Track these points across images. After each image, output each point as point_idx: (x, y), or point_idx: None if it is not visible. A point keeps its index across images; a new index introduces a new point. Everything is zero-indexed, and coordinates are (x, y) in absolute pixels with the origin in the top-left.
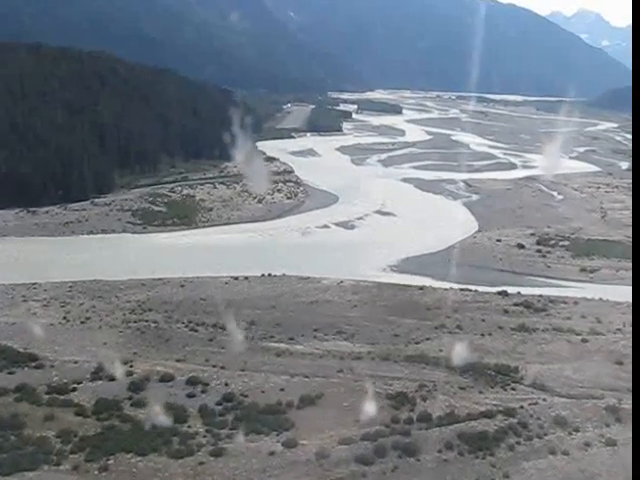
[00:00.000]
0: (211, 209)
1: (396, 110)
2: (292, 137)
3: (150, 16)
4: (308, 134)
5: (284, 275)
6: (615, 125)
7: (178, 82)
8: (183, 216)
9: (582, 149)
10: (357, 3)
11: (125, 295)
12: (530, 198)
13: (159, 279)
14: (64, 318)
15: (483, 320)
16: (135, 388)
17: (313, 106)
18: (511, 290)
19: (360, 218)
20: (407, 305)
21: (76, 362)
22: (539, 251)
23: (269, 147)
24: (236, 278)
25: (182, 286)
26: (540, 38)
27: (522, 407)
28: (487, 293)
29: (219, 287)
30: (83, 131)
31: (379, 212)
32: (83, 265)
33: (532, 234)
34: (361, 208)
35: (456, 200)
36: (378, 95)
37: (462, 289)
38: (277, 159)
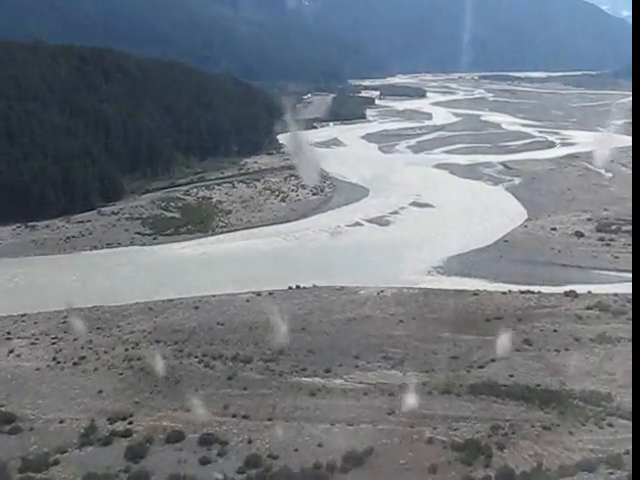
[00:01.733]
0: (230, 212)
1: (420, 93)
2: (314, 127)
3: (162, 13)
4: (331, 123)
5: (314, 287)
6: None
7: (190, 76)
8: (198, 222)
9: (620, 122)
10: None
11: (129, 324)
12: (577, 178)
13: (169, 301)
14: (54, 359)
15: (555, 331)
16: (134, 455)
17: (334, 95)
18: (579, 289)
19: (395, 212)
20: (462, 316)
21: (62, 421)
22: (601, 239)
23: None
24: (259, 294)
25: (196, 308)
26: (561, 12)
27: (629, 453)
28: (552, 295)
29: (239, 307)
30: (86, 133)
31: (415, 204)
32: (81, 288)
33: (589, 219)
34: (395, 200)
35: (497, 185)
36: (399, 80)
37: (522, 291)
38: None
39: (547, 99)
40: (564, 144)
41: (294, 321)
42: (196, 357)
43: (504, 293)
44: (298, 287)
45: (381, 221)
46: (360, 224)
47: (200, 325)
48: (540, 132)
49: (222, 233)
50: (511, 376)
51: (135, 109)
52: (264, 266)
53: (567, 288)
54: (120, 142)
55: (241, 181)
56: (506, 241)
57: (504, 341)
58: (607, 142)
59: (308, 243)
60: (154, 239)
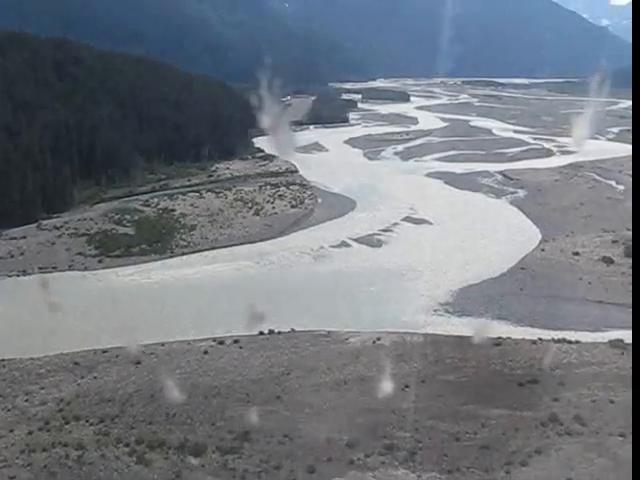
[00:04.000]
0: (194, 227)
1: (403, 97)
2: (293, 131)
3: (139, 10)
4: (311, 126)
5: (293, 331)
6: None
7: (158, 73)
8: (155, 240)
9: (616, 129)
10: None
11: (42, 389)
12: (587, 191)
13: (103, 352)
14: None
15: (611, 402)
16: None
17: (314, 97)
18: (626, 337)
19: (387, 230)
20: (486, 378)
21: None
22: None
23: (268, 142)
24: (221, 342)
25: (137, 364)
26: (542, 18)
27: None
28: (595, 345)
29: (194, 362)
30: (30, 133)
31: (410, 219)
32: None
33: (614, 241)
34: (386, 215)
35: (500, 198)
36: (381, 84)
37: (556, 340)
38: (277, 157)
39: (534, 105)
40: (563, 152)
41: (266, 385)
42: (127, 445)
43: (534, 342)
44: (272, 332)
45: (372, 241)
46: (347, 244)
47: (139, 391)
48: (534, 139)
49: (182, 254)
50: None
51: (92, 107)
52: (230, 301)
53: (610, 335)
54: (71, 144)
55: (210, 190)
56: (523, 268)
57: (548, 419)
58: (609, 151)
59: (285, 269)
60: (99, 262)
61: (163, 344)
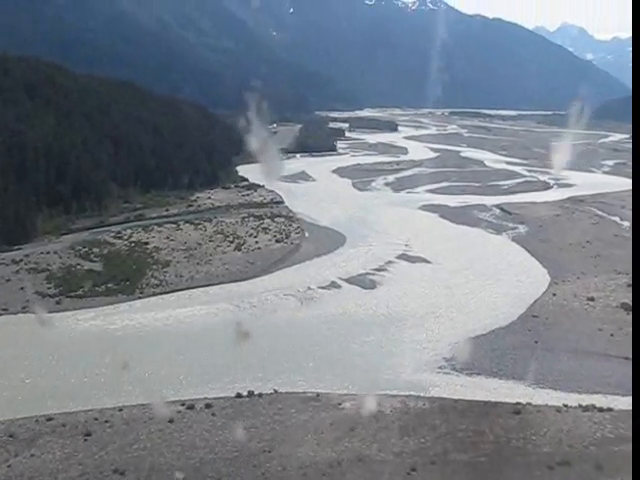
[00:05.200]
0: (168, 263)
1: (391, 127)
2: (279, 159)
3: (125, 37)
4: (298, 155)
5: (276, 393)
6: (626, 136)
7: (136, 96)
8: (123, 278)
9: (610, 162)
10: (341, 21)
11: None
12: (591, 227)
13: (47, 420)
14: None
15: None
16: None
17: (301, 125)
18: None
19: (381, 269)
20: (507, 457)
21: None
22: None
23: (252, 171)
24: (191, 407)
25: (87, 436)
26: (528, 52)
27: None
28: (630, 414)
29: (157, 432)
30: None
31: (405, 257)
32: None
33: (629, 285)
34: (379, 252)
35: (500, 234)
36: (368, 113)
37: (584, 407)
38: (262, 186)
39: (524, 136)
40: (560, 185)
41: (242, 467)
42: None
43: (558, 410)
44: (251, 394)
45: (364, 281)
46: (337, 285)
47: (84, 475)
48: (529, 171)
49: (153, 295)
50: None
51: (65, 130)
52: (204, 352)
53: None
54: (38, 170)
55: (188, 221)
56: (535, 316)
57: None
58: (606, 184)
59: (268, 314)
60: (57, 303)
61: (121, 409)
